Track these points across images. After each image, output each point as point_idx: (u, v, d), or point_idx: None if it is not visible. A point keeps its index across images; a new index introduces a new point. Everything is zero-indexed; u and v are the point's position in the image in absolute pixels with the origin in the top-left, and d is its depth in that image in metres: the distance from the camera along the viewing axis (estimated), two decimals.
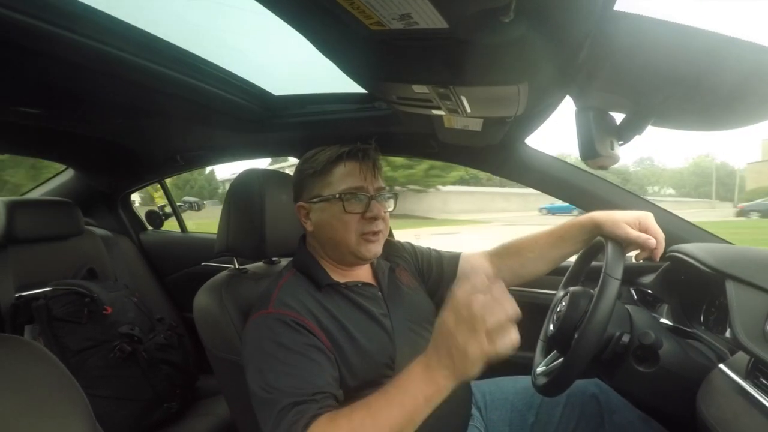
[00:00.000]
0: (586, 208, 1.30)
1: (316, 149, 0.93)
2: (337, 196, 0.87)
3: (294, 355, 0.75)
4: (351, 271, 0.96)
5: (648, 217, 0.93)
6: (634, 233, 0.89)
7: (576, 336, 0.81)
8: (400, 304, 0.96)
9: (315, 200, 0.90)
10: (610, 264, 0.81)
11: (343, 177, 0.89)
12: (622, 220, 0.91)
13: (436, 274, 1.11)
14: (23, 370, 0.62)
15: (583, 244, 1.02)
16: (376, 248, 0.91)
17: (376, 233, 0.90)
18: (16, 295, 1.38)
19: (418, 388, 0.63)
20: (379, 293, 0.96)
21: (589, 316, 0.76)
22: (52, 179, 1.98)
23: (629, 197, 1.29)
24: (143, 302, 1.56)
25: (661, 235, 0.92)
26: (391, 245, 1.10)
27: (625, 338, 0.82)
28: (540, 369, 0.94)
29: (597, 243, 0.98)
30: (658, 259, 0.92)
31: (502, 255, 1.11)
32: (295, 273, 0.92)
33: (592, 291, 0.85)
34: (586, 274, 1.05)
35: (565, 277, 1.06)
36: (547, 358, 0.97)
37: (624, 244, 0.89)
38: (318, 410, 0.68)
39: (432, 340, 0.65)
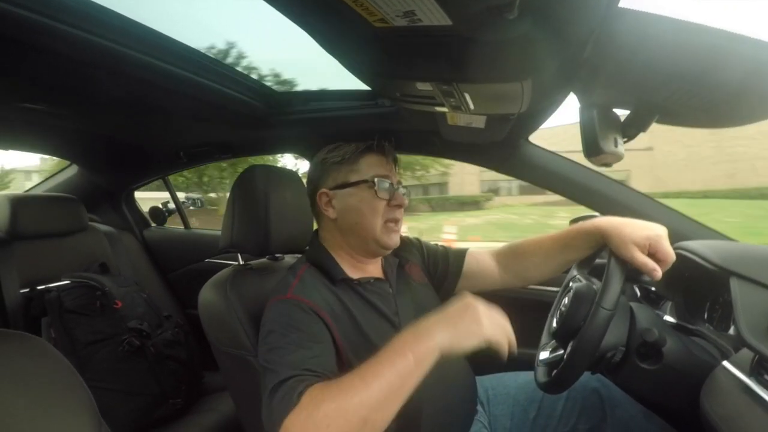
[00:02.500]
0: (590, 205, 1.30)
1: (335, 143, 0.96)
2: (369, 180, 0.91)
3: (304, 336, 0.77)
4: (364, 265, 0.98)
5: (660, 240, 0.83)
6: (641, 258, 0.81)
7: (569, 349, 0.81)
8: (408, 301, 0.97)
9: (342, 186, 0.92)
10: (605, 293, 0.77)
11: (372, 165, 0.93)
12: (631, 239, 0.82)
13: (442, 270, 1.12)
14: (28, 366, 0.62)
15: (588, 251, 0.98)
16: (397, 238, 0.96)
17: (397, 221, 0.95)
18: (22, 291, 1.39)
19: (408, 347, 0.66)
20: (390, 289, 0.97)
21: (577, 340, 0.78)
22: (56, 175, 1.99)
23: (632, 194, 1.29)
24: (152, 299, 1.58)
25: (672, 258, 0.83)
26: (400, 241, 1.11)
27: (618, 357, 0.82)
28: (542, 356, 0.94)
29: None
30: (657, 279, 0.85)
31: (507, 255, 1.11)
32: (309, 266, 0.93)
33: (596, 288, 0.85)
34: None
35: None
36: (550, 346, 0.97)
37: (628, 263, 0.83)
38: (316, 381, 0.69)
39: (447, 307, 0.72)
